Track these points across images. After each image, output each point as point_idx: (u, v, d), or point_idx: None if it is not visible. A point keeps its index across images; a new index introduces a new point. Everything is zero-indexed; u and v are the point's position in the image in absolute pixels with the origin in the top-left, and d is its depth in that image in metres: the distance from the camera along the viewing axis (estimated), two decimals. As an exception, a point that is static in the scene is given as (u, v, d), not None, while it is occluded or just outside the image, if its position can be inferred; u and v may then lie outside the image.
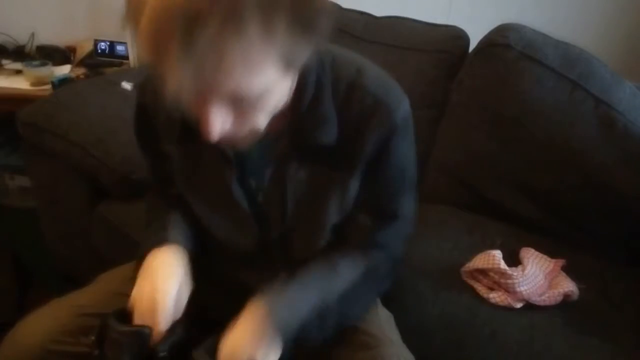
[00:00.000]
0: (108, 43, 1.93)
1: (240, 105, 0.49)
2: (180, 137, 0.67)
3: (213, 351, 0.59)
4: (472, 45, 1.31)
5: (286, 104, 0.58)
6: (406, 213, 0.74)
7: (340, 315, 0.69)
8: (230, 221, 0.72)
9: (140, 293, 0.63)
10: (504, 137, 1.21)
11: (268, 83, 0.49)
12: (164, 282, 0.63)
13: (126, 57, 1.91)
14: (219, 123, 0.49)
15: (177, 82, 0.44)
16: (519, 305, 0.93)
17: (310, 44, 0.49)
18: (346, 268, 0.71)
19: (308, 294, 0.67)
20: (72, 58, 1.94)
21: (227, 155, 0.65)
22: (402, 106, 0.65)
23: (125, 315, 0.63)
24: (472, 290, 0.97)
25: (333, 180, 0.67)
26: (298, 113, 0.61)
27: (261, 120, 0.54)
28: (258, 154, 0.66)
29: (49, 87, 1.67)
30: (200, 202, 0.74)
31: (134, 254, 0.72)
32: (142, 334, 0.60)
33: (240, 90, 0.47)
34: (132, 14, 0.44)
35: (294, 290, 0.66)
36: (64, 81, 1.70)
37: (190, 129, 0.59)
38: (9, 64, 1.84)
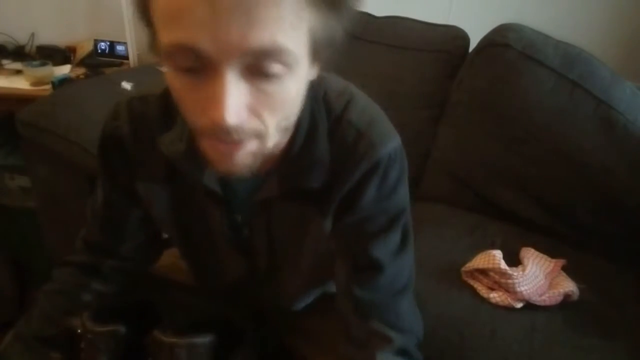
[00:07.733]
0: (108, 43, 1.93)
1: (258, 83, 0.43)
2: (166, 175, 0.62)
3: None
4: (472, 45, 1.31)
5: (279, 146, 0.54)
6: (394, 270, 0.62)
7: None
8: (218, 258, 0.70)
9: None
10: (504, 137, 1.21)
11: (292, 57, 0.42)
12: None
13: (126, 57, 1.91)
14: (236, 97, 0.41)
15: (195, 32, 0.39)
16: (519, 305, 0.93)
17: (337, 22, 0.45)
18: None
19: None
20: (72, 58, 1.94)
21: (215, 193, 0.60)
22: (388, 142, 0.58)
23: (101, 315, 0.62)
24: (472, 290, 0.97)
25: (311, 219, 0.61)
26: (290, 155, 0.56)
27: (273, 125, 0.46)
28: (244, 193, 0.61)
29: (49, 87, 1.67)
30: (186, 240, 0.71)
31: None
32: (118, 334, 0.60)
33: (267, 46, 0.40)
34: None
35: None
36: (64, 81, 1.70)
37: (176, 168, 0.59)
38: (9, 64, 1.84)
